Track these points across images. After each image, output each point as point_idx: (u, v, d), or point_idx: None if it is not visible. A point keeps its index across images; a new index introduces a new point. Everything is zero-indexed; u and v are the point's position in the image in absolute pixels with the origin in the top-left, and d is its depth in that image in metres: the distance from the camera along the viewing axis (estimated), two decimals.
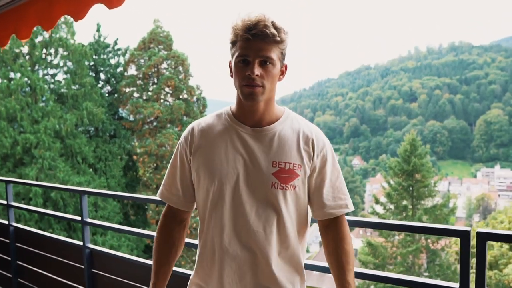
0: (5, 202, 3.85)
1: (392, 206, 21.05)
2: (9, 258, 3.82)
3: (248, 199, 1.40)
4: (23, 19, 2.46)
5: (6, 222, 3.84)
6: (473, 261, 1.68)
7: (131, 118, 21.97)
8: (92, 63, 21.93)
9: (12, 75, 18.83)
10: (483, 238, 1.57)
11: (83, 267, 3.13)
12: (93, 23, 22.47)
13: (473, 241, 1.63)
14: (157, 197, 1.64)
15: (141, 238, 17.20)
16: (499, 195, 78.90)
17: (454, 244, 19.92)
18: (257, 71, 1.32)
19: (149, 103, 21.14)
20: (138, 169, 21.30)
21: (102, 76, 22.77)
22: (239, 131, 1.43)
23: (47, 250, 3.51)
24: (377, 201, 21.75)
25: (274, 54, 1.34)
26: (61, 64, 20.50)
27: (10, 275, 3.80)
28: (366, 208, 60.89)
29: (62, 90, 20.18)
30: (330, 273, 1.52)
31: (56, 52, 20.26)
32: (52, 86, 20.31)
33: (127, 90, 22.04)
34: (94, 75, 22.07)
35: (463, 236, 1.62)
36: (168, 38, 22.22)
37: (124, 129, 21.57)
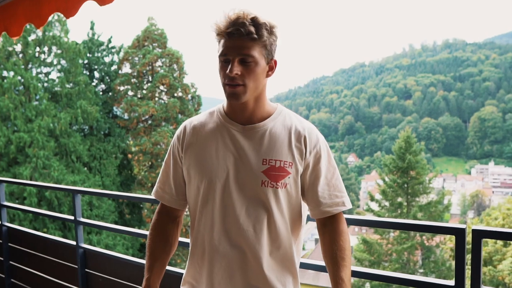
0: None
1: (387, 203, 21.09)
2: (2, 259, 3.79)
3: (238, 197, 1.38)
4: (13, 17, 2.44)
5: None
6: (467, 257, 1.68)
7: (126, 116, 21.86)
8: (86, 61, 21.78)
9: (5, 73, 18.64)
10: (478, 235, 1.56)
11: (76, 267, 3.11)
12: (87, 21, 22.31)
13: (468, 238, 1.62)
14: (150, 196, 1.63)
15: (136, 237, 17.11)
16: (493, 192, 79.50)
17: (449, 241, 20.02)
18: (237, 70, 1.30)
19: (144, 101, 21.06)
20: (133, 167, 21.23)
21: (96, 74, 22.62)
22: (230, 129, 1.42)
23: (40, 250, 3.49)
24: (372, 198, 21.78)
25: (255, 52, 1.31)
26: (55, 62, 20.32)
27: (3, 276, 3.77)
28: (361, 205, 61.04)
29: (56, 88, 20.02)
30: (326, 272, 1.50)
31: (50, 50, 20.09)
32: (45, 84, 20.16)
33: (122, 88, 21.92)
34: (88, 73, 21.92)
35: (459, 233, 1.61)
36: (162, 36, 22.10)
37: (118, 128, 21.48)
